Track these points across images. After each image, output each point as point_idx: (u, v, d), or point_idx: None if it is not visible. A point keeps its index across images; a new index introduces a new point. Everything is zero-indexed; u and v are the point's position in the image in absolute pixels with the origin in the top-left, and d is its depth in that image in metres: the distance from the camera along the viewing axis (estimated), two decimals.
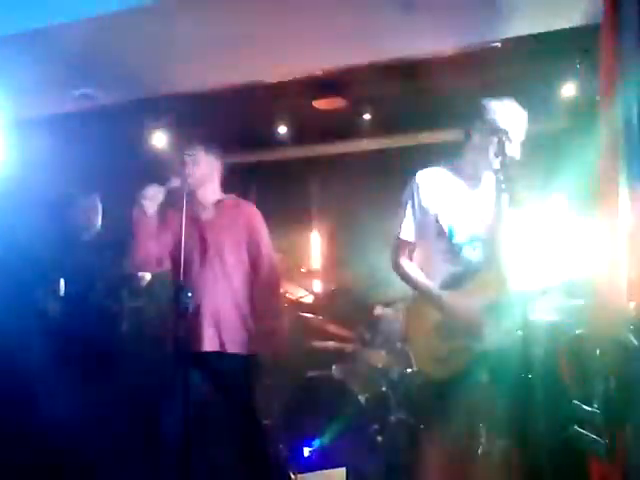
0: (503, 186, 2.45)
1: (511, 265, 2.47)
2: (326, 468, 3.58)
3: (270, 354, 3.16)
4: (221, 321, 3.06)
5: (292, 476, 3.59)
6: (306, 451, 3.87)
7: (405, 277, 2.82)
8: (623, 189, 1.91)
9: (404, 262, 2.80)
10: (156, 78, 4.19)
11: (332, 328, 4.64)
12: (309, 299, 4.76)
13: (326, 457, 3.77)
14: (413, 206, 2.73)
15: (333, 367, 4.21)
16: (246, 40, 3.65)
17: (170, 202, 3.06)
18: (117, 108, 4.48)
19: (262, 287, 3.16)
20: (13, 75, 3.82)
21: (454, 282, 2.70)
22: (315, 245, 6.13)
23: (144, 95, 4.38)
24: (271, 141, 5.50)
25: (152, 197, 2.99)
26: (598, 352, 1.95)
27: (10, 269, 3.92)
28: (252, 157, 6.01)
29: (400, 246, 2.79)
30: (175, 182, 3.01)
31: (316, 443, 3.87)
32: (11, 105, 4.03)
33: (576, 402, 2.09)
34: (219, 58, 3.91)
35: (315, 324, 4.69)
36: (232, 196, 3.26)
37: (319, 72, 4.34)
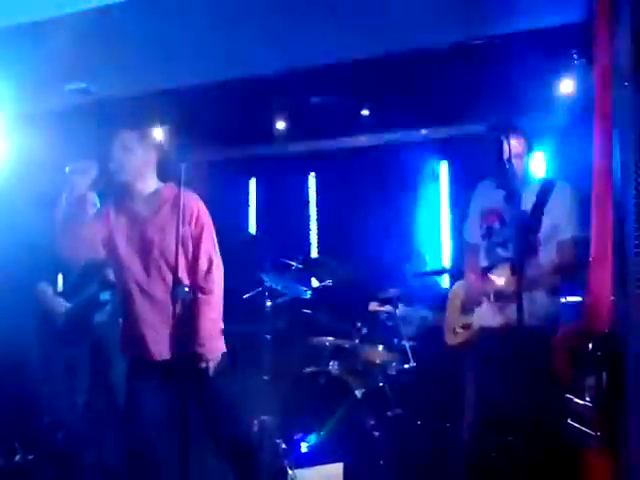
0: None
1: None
2: (323, 463, 3.58)
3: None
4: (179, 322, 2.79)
5: (289, 471, 3.59)
6: (303, 446, 3.87)
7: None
8: (616, 185, 1.91)
9: (468, 257, 3.35)
10: (152, 72, 4.19)
11: (330, 323, 4.65)
12: (307, 295, 4.75)
13: (323, 452, 3.77)
14: (473, 212, 3.28)
15: (330, 363, 4.21)
16: (244, 34, 3.65)
17: (104, 186, 2.95)
18: (113, 103, 4.48)
19: (198, 289, 2.95)
20: (7, 70, 3.81)
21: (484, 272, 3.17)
22: (313, 240, 6.13)
23: (140, 90, 4.37)
24: (270, 136, 5.49)
25: (83, 171, 2.82)
26: (590, 346, 1.95)
27: (9, 265, 3.93)
28: (251, 152, 6.01)
29: (466, 246, 3.35)
30: (112, 164, 2.88)
31: (313, 438, 3.87)
32: (7, 100, 4.02)
33: (569, 396, 2.10)
34: (217, 52, 3.90)
35: (313, 320, 4.70)
36: (171, 185, 3.01)
37: (318, 67, 4.33)
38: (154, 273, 2.91)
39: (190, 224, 2.95)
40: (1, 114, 4.16)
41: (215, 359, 2.97)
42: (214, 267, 3.00)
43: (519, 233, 2.78)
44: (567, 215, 2.95)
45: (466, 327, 3.36)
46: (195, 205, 3.00)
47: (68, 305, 3.77)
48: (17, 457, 3.62)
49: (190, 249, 2.97)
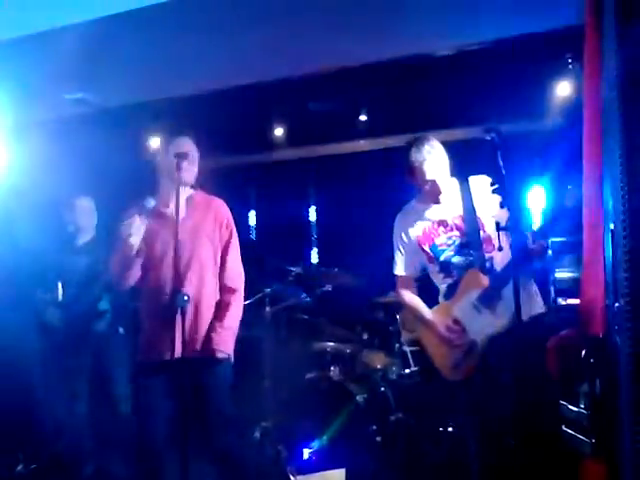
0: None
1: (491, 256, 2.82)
2: (325, 469, 3.58)
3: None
4: (200, 324, 2.96)
5: (292, 478, 3.59)
6: (305, 452, 3.87)
7: (404, 305, 3.22)
8: (606, 188, 1.91)
9: (402, 292, 3.15)
10: (152, 81, 4.22)
11: (330, 329, 4.65)
12: (307, 300, 4.74)
13: (325, 458, 3.77)
14: (399, 244, 3.09)
15: (332, 368, 4.22)
16: (241, 42, 3.67)
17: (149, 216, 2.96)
18: (113, 111, 4.50)
19: (223, 289, 3.04)
20: (10, 80, 3.84)
21: (451, 292, 2.97)
22: (313, 246, 6.13)
23: (140, 99, 4.40)
24: (268, 142, 5.51)
25: (137, 229, 2.83)
26: (584, 353, 1.95)
27: (7, 273, 3.95)
28: (249, 158, 6.02)
29: (398, 280, 3.16)
30: (155, 200, 2.94)
31: (315, 444, 3.87)
32: (8, 109, 4.05)
33: (563, 403, 2.10)
34: (215, 61, 3.92)
35: (313, 325, 4.70)
36: (201, 192, 3.16)
37: (315, 73, 4.34)
38: (183, 274, 2.92)
39: (221, 229, 3.06)
40: (2, 123, 4.18)
41: (222, 363, 2.97)
42: (237, 274, 3.08)
43: (473, 232, 2.81)
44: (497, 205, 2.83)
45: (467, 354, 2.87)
46: (225, 212, 3.12)
47: (67, 314, 3.80)
48: (19, 467, 3.64)
49: (219, 253, 3.06)
